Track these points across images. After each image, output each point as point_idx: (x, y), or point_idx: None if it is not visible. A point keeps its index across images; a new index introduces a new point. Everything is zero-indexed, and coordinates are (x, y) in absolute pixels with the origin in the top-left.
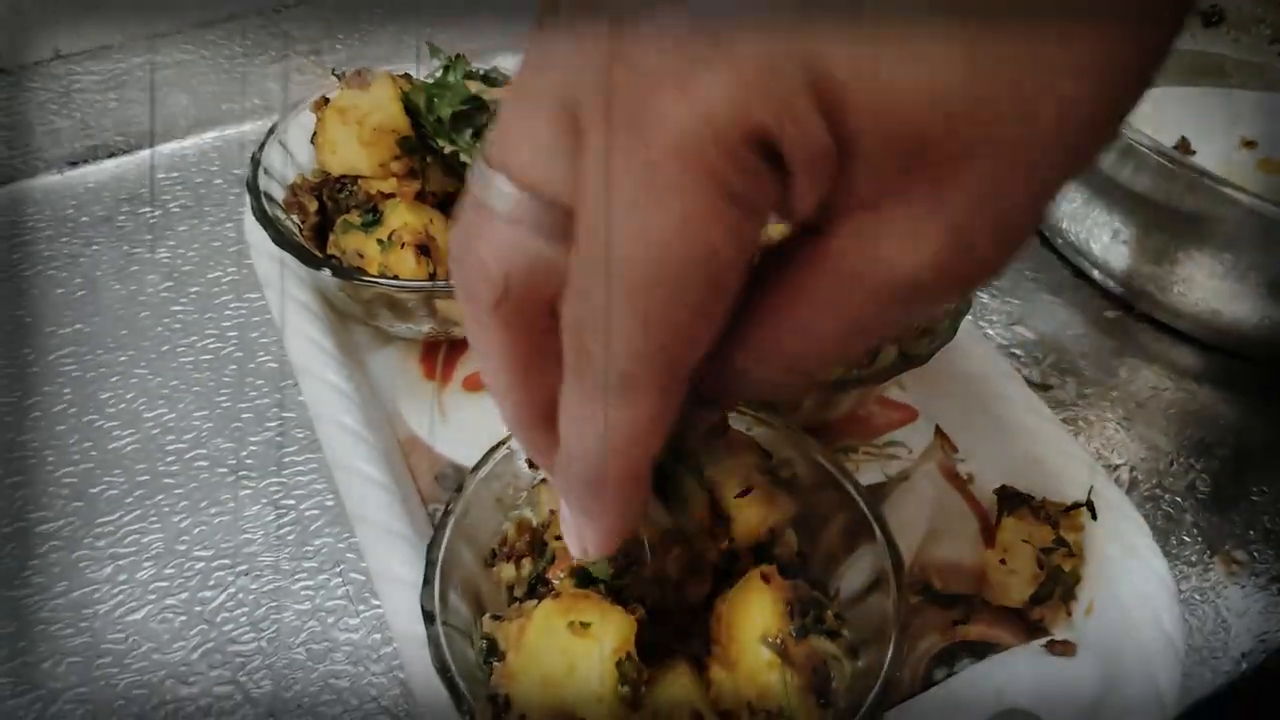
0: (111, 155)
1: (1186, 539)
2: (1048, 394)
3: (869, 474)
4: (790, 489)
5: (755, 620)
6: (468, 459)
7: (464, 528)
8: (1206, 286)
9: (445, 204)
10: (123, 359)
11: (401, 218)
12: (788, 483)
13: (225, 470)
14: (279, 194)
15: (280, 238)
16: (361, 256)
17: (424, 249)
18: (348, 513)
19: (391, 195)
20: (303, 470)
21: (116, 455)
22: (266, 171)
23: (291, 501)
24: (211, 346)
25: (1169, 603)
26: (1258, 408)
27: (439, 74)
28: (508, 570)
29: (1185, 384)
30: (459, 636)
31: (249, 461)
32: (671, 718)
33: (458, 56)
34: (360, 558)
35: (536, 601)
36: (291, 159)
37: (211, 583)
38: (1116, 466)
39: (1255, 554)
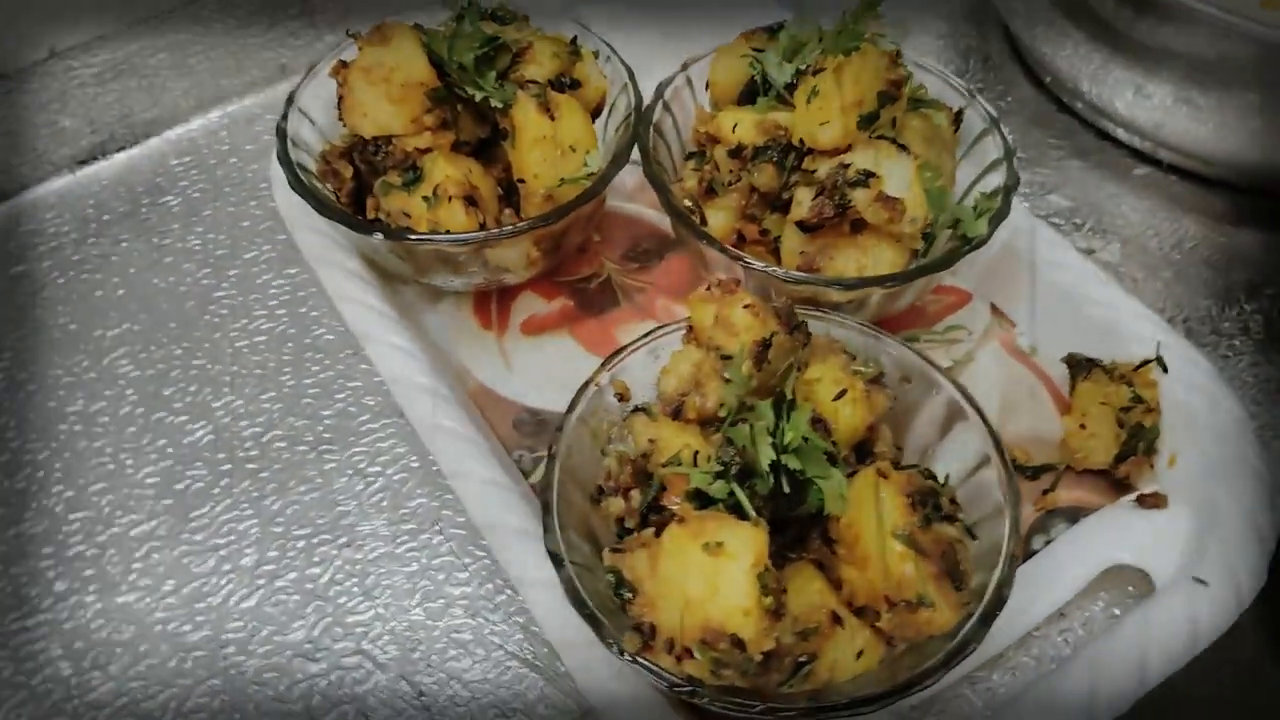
0: (121, 149)
1: (1249, 379)
2: (1092, 257)
3: (935, 360)
4: (879, 385)
5: (881, 516)
6: (539, 402)
7: (568, 469)
8: (1236, 129)
9: (479, 151)
10: (178, 352)
11: (442, 171)
12: (876, 379)
13: (305, 447)
14: (309, 165)
15: (323, 207)
16: (407, 216)
17: (470, 199)
18: (443, 470)
19: (428, 150)
20: (381, 436)
21: (194, 448)
22: (293, 143)
23: (377, 468)
24: (264, 327)
25: (1250, 439)
26: None
27: (453, 22)
28: (616, 504)
29: (1224, 229)
30: (586, 573)
31: (326, 435)
32: (810, 620)
33: (470, 2)
34: (456, 513)
35: (654, 530)
36: (314, 126)
37: (316, 559)
38: (1171, 319)
39: None
